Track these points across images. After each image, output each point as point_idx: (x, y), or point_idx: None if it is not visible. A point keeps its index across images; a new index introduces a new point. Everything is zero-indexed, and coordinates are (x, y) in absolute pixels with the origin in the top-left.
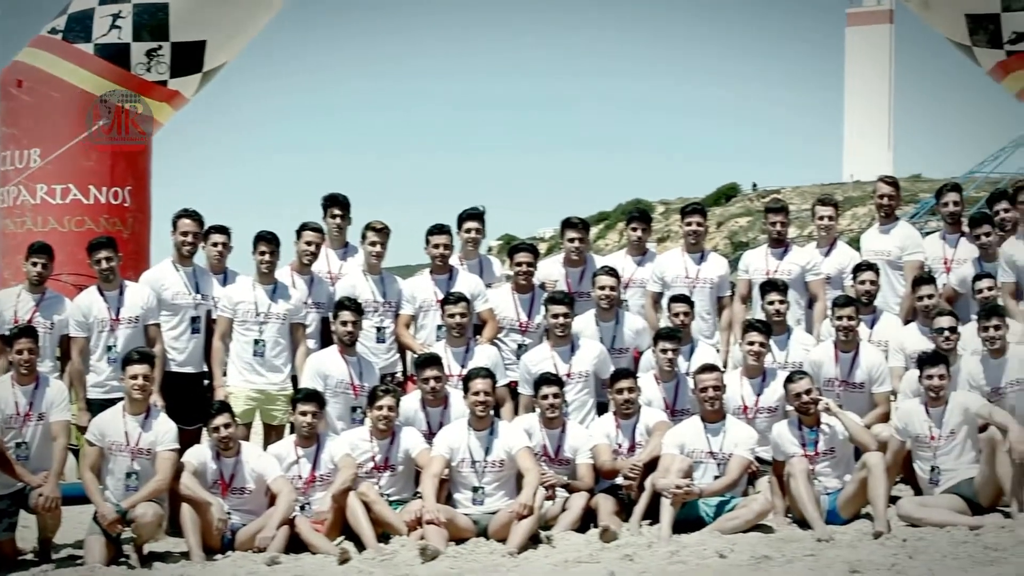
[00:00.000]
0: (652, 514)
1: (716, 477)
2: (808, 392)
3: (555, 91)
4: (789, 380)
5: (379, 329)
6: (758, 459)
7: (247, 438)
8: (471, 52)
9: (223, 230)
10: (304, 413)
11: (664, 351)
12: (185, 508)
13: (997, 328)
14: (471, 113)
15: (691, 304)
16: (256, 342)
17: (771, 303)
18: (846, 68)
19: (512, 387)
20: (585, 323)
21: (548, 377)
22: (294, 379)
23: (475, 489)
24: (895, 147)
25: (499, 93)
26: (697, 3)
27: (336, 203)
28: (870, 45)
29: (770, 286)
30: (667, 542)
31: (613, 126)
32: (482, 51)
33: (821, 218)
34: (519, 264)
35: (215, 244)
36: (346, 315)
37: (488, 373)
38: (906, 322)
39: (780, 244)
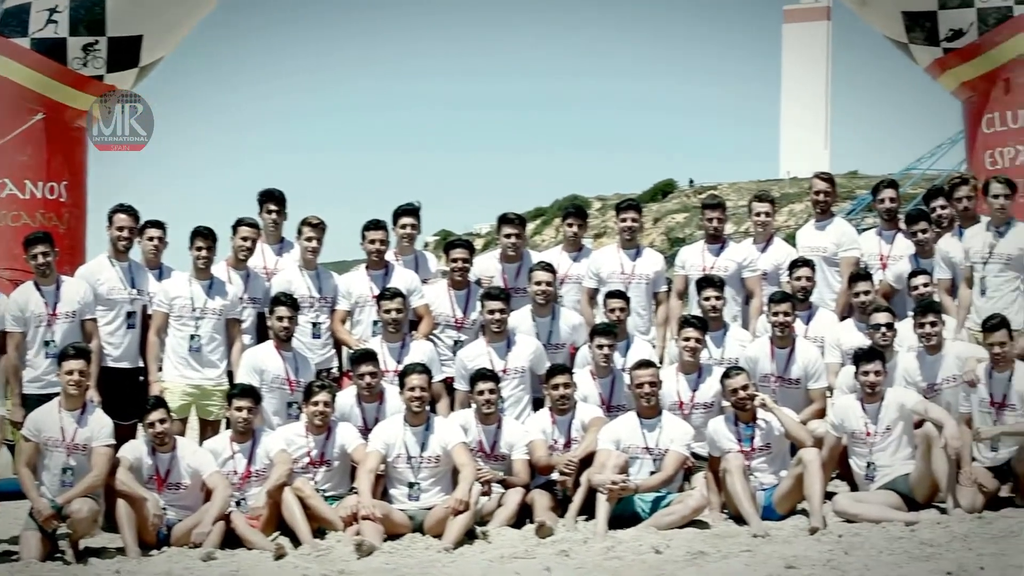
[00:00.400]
0: (588, 510)
1: (652, 473)
2: (744, 388)
3: (493, 88)
4: (725, 376)
5: (315, 324)
6: (694, 455)
7: (183, 433)
8: (409, 52)
9: (159, 225)
10: (240, 409)
11: (600, 347)
12: (121, 504)
13: (933, 325)
14: (408, 110)
15: (627, 300)
16: (192, 337)
17: (707, 299)
18: (783, 65)
19: (448, 383)
20: (521, 319)
21: (484, 373)
22: (230, 374)
23: (411, 485)
24: (832, 144)
25: (436, 91)
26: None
27: (272, 199)
28: (807, 42)
29: (706, 282)
30: (603, 538)
31: (550, 122)
32: (419, 50)
33: (758, 214)
34: (455, 260)
35: (151, 239)
36: (282, 310)
37: (424, 369)
38: (842, 318)
39: (717, 240)
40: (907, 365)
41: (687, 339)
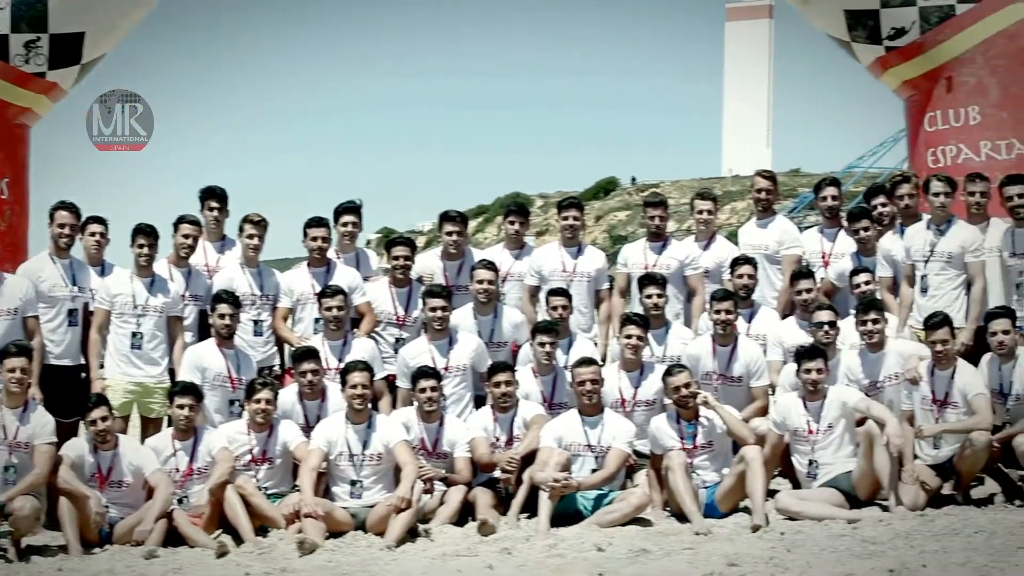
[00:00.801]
0: (530, 507)
1: (594, 470)
2: (686, 386)
3: (435, 87)
4: (667, 374)
5: (256, 322)
6: (636, 452)
7: (125, 431)
8: (350, 49)
9: (100, 220)
10: (181, 406)
11: (542, 344)
12: (63, 501)
13: (875, 323)
14: (351, 109)
15: (569, 298)
16: (134, 335)
17: (649, 297)
18: (725, 63)
19: (390, 380)
20: (463, 317)
21: (426, 371)
22: (171, 372)
23: (353, 482)
24: (774, 142)
25: (379, 89)
26: None
27: (213, 196)
28: (750, 40)
29: (648, 280)
30: (545, 535)
31: (492, 119)
32: (360, 48)
33: (700, 212)
34: (396, 258)
35: (92, 235)
36: (223, 308)
37: (366, 366)
38: (784, 316)
39: (659, 238)
40: (849, 363)
41: (629, 337)
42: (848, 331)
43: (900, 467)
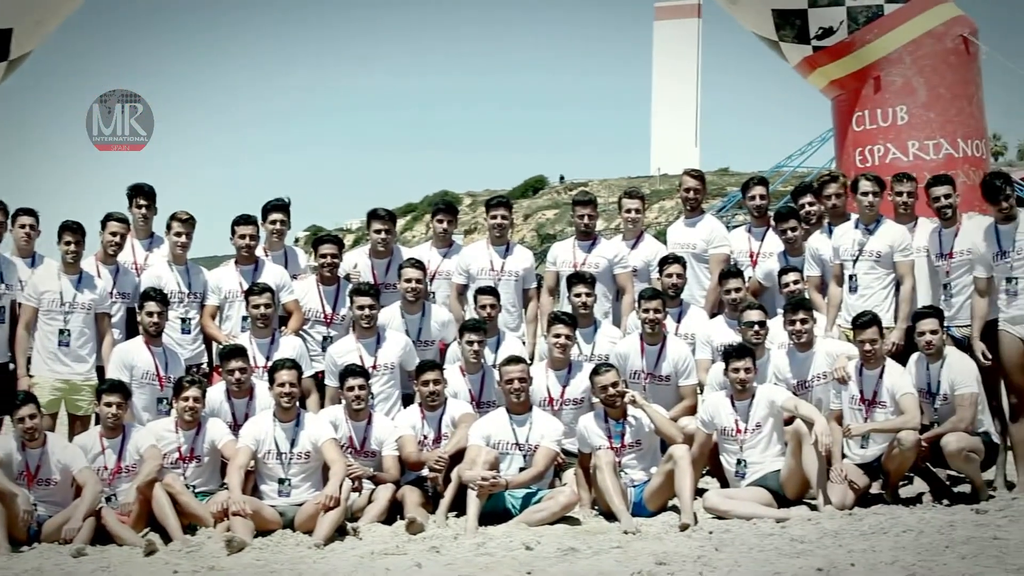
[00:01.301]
0: (458, 506)
1: (522, 469)
2: (614, 384)
3: (363, 83)
4: (595, 372)
5: (184, 320)
6: (564, 451)
7: (52, 428)
8: (276, 46)
9: (30, 212)
10: (109, 404)
11: (470, 343)
12: None
13: (804, 322)
14: (278, 104)
15: (497, 296)
16: (61, 332)
17: (578, 295)
18: (654, 62)
19: (318, 378)
20: (391, 315)
21: (353, 369)
22: (100, 369)
23: (281, 481)
24: (702, 141)
25: (305, 86)
26: None
27: (141, 193)
28: (678, 39)
29: (577, 279)
30: (473, 534)
31: (420, 117)
32: (286, 46)
33: (628, 211)
34: (324, 256)
35: (22, 226)
36: (152, 306)
37: (293, 364)
38: (712, 315)
39: (587, 237)
40: (778, 362)
41: (557, 335)
42: (776, 330)
43: (828, 466)
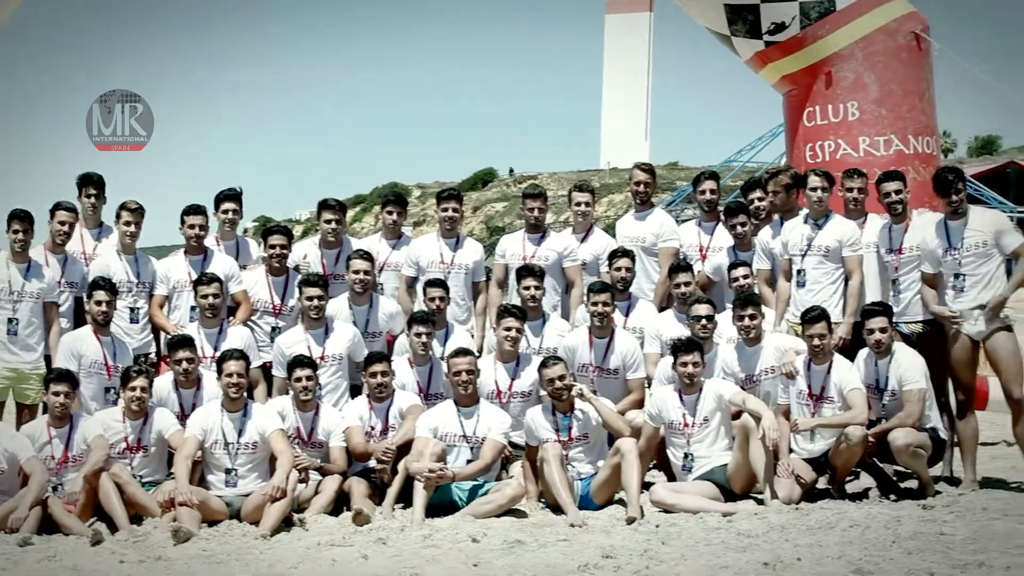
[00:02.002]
0: (405, 498)
1: (469, 461)
2: (562, 378)
3: (313, 75)
4: (543, 365)
5: (133, 309)
6: (512, 444)
7: (0, 417)
8: (221, 37)
9: None
10: (57, 393)
11: (418, 335)
12: None
13: (752, 317)
14: (227, 95)
15: (446, 289)
16: (9, 321)
17: (527, 288)
18: (605, 55)
19: (266, 368)
20: (339, 306)
21: (301, 360)
22: (47, 358)
23: (228, 471)
24: (652, 135)
25: (255, 78)
26: None
27: (91, 183)
28: (629, 33)
29: (526, 271)
30: (420, 526)
31: (370, 110)
32: (236, 41)
33: (578, 204)
34: (273, 246)
35: None
36: (100, 295)
37: (241, 355)
38: (660, 309)
39: (537, 230)
40: (726, 356)
41: (507, 328)
42: (725, 325)
43: (775, 461)
